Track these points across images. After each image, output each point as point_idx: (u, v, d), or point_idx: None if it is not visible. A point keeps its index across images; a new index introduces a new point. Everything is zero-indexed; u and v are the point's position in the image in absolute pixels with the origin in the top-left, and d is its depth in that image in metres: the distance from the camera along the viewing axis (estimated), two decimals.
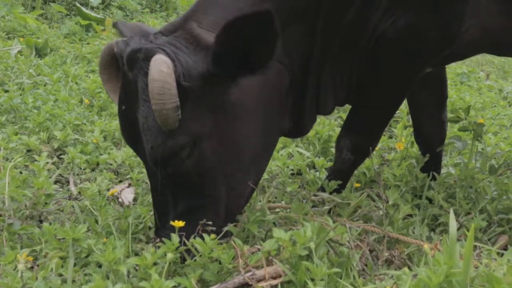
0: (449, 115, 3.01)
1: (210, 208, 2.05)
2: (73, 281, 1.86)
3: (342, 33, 2.29)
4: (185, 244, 1.89)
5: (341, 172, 2.62)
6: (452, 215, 1.66)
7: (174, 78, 1.83)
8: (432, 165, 2.88)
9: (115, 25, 2.34)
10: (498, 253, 1.88)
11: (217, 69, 1.92)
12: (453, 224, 1.63)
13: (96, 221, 2.33)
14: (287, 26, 2.18)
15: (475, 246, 2.10)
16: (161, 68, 1.82)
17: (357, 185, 2.81)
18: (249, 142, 2.10)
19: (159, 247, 1.85)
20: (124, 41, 2.04)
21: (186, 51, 1.94)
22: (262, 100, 2.11)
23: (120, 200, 2.68)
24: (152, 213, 2.35)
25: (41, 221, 2.43)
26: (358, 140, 2.53)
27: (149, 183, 2.15)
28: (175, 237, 1.84)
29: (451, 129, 3.75)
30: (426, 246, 1.68)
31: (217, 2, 2.11)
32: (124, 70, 2.00)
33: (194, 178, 2.00)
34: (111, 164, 3.25)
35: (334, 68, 2.36)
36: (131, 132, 2.03)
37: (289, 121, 2.36)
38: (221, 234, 2.00)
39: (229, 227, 2.05)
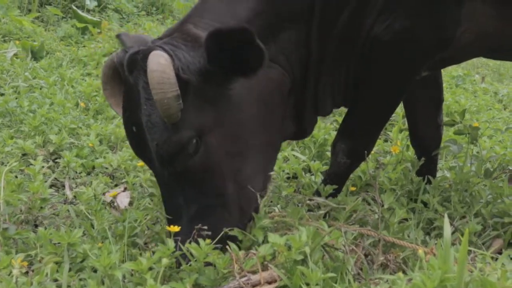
0: (445, 118, 3.02)
1: (223, 208, 2.06)
2: (68, 286, 1.86)
3: (338, 35, 2.30)
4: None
5: (337, 176, 2.63)
6: (446, 220, 1.67)
7: (173, 69, 1.87)
8: (427, 169, 2.89)
9: (118, 37, 2.38)
10: (492, 258, 1.89)
11: (212, 67, 1.95)
12: (447, 229, 1.64)
13: (92, 226, 2.33)
14: (283, 29, 2.23)
15: (469, 251, 2.11)
16: (159, 60, 1.87)
17: (353, 188, 2.81)
18: (254, 137, 2.12)
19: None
20: (123, 50, 2.10)
21: (184, 48, 1.99)
22: (264, 97, 2.14)
23: (115, 204, 2.68)
24: (148, 217, 2.36)
25: (36, 226, 2.43)
26: (354, 144, 2.54)
27: (158, 190, 2.16)
28: (170, 242, 1.84)
29: (446, 133, 3.76)
30: (421, 251, 1.68)
31: (213, 7, 2.17)
32: (125, 76, 2.04)
33: (203, 175, 2.01)
34: (106, 168, 3.25)
35: (332, 69, 2.38)
36: (138, 140, 2.06)
37: (291, 123, 2.38)
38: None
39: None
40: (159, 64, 1.86)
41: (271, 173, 2.29)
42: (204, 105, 1.98)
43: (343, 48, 2.34)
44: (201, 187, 2.03)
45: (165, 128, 1.93)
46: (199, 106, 1.97)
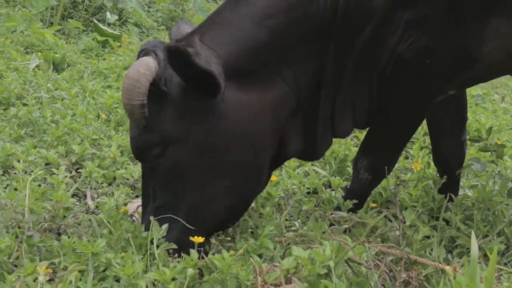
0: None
1: (180, 212, 2.11)
2: None
3: (358, 53, 2.28)
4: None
5: (358, 192, 2.62)
6: (473, 238, 1.65)
7: (150, 80, 1.95)
8: (449, 187, 2.86)
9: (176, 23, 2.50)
10: None
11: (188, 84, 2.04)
12: (474, 247, 1.62)
13: (112, 234, 2.33)
14: (294, 46, 2.20)
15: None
16: (139, 68, 1.95)
17: (373, 205, 2.80)
18: (229, 154, 2.12)
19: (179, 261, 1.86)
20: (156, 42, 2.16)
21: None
22: (251, 114, 2.14)
23: (135, 217, 2.68)
24: None
25: (59, 234, 2.44)
26: (376, 161, 2.52)
27: None
28: (194, 253, 1.84)
29: (468, 151, 3.73)
30: (448, 268, 1.67)
31: (223, 17, 2.18)
32: None
33: (167, 179, 2.10)
34: (127, 179, 3.27)
35: (352, 90, 2.36)
36: None
37: (299, 143, 2.36)
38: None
39: (246, 245, 2.06)
40: (136, 72, 1.94)
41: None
42: (179, 118, 2.05)
43: (365, 68, 2.32)
44: (165, 187, 2.12)
45: (138, 126, 2.06)
46: (174, 118, 2.05)
